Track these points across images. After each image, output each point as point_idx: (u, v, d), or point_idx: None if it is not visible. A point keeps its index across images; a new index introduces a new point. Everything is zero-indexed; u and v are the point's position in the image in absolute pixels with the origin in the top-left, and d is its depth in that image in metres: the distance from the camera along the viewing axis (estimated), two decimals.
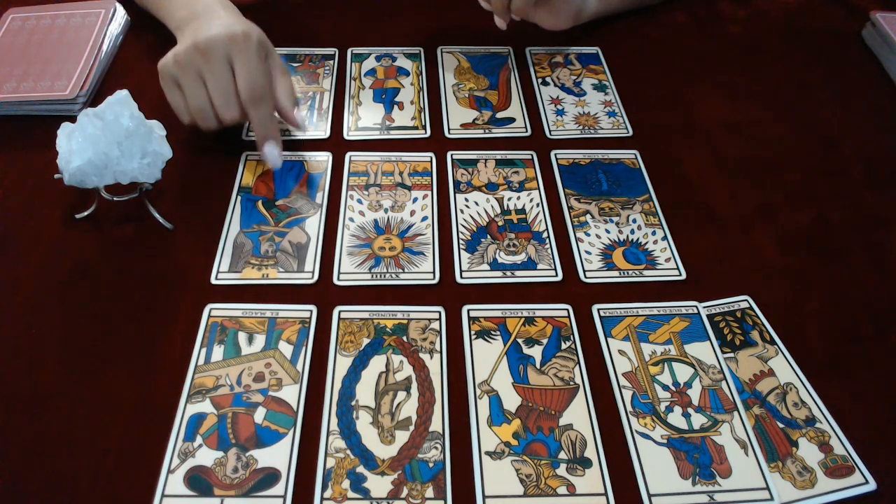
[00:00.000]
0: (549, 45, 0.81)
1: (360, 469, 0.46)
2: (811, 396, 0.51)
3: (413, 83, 0.76)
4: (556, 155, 0.69)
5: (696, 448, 0.48)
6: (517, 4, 0.72)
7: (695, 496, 0.46)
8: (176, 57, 0.60)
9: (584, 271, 0.59)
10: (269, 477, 0.46)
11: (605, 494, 0.46)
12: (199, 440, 0.47)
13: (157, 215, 0.60)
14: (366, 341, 0.53)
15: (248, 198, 0.63)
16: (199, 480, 0.46)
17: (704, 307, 0.57)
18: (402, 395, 0.50)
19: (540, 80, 0.77)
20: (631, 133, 0.71)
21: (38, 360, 0.51)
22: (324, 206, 0.63)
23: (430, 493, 0.45)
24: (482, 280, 0.58)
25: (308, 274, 0.57)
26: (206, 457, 0.47)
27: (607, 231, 0.62)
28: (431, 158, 0.68)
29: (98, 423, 0.48)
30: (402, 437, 0.48)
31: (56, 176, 0.57)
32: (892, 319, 0.57)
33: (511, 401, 0.50)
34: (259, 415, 0.49)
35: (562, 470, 0.47)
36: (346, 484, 0.46)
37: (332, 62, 0.78)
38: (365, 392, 0.50)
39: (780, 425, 0.50)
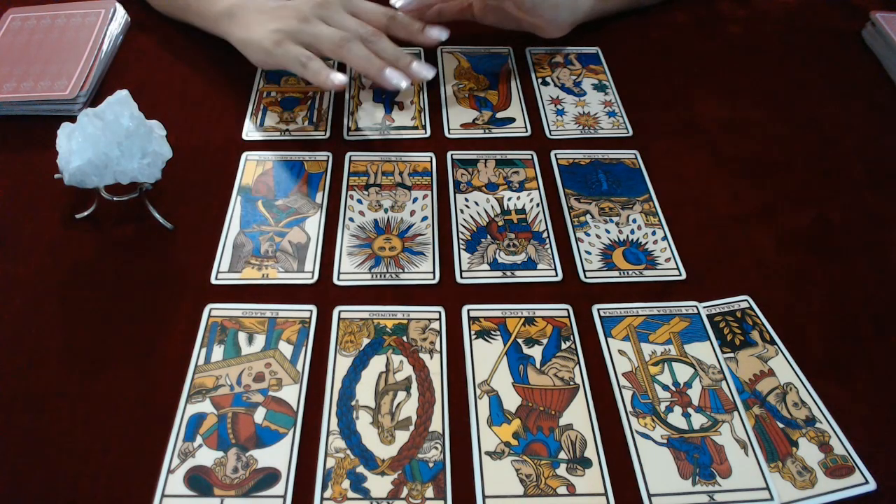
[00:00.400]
0: (549, 45, 0.81)
1: (360, 469, 0.46)
2: (811, 396, 0.51)
3: (413, 83, 0.76)
4: (556, 155, 0.69)
5: (696, 448, 0.48)
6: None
7: (695, 496, 0.46)
8: (295, 14, 0.65)
9: (584, 271, 0.59)
10: (269, 477, 0.46)
11: (605, 494, 0.46)
12: (199, 440, 0.47)
13: (157, 215, 0.60)
14: (366, 341, 0.53)
15: (248, 198, 0.63)
16: (199, 480, 0.46)
17: (704, 307, 0.57)
18: (402, 395, 0.50)
19: (540, 80, 0.77)
20: (631, 133, 0.71)
21: (38, 360, 0.51)
22: (324, 206, 0.63)
23: (430, 493, 0.45)
24: (482, 280, 0.58)
25: (308, 274, 0.57)
26: (206, 457, 0.47)
27: (607, 231, 0.62)
28: (431, 158, 0.68)
29: (98, 423, 0.48)
30: (402, 437, 0.48)
31: (56, 176, 0.57)
32: (892, 319, 0.57)
33: (511, 401, 0.50)
34: (259, 415, 0.49)
35: (562, 470, 0.47)
36: (346, 484, 0.46)
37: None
38: (365, 392, 0.50)
39: (780, 425, 0.50)
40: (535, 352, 0.53)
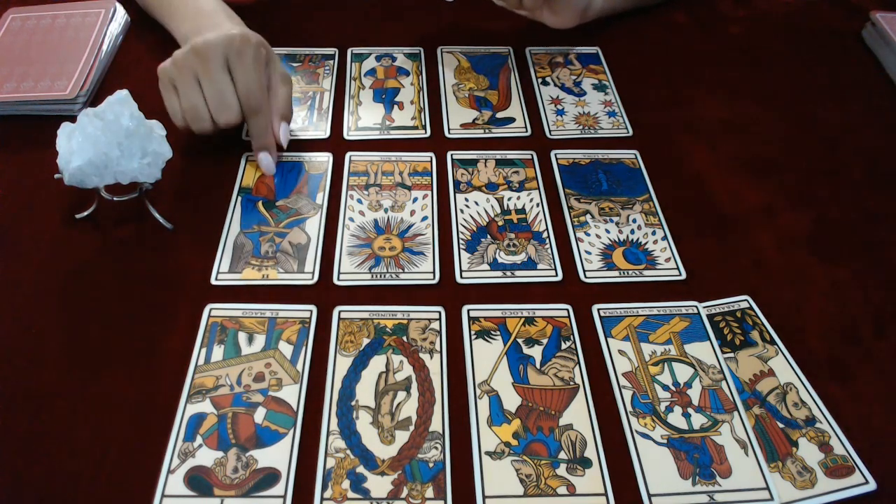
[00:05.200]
0: (549, 45, 0.81)
1: (360, 469, 0.46)
2: (811, 396, 0.51)
3: (413, 83, 0.76)
4: (556, 155, 0.69)
5: (696, 448, 0.48)
6: (528, 1, 0.71)
7: (695, 496, 0.46)
8: (174, 60, 0.61)
9: (584, 271, 0.59)
10: (269, 477, 0.46)
11: (605, 494, 0.46)
12: (199, 440, 0.47)
13: (157, 215, 0.60)
14: (366, 341, 0.53)
15: (248, 198, 0.63)
16: (199, 480, 0.46)
17: (704, 307, 0.57)
18: (402, 395, 0.50)
19: (540, 80, 0.77)
20: (631, 133, 0.71)
21: (38, 360, 0.51)
22: (324, 206, 0.63)
23: (430, 493, 0.45)
24: (482, 280, 0.58)
25: (308, 275, 0.57)
26: (206, 457, 0.47)
27: (607, 231, 0.62)
28: (431, 158, 0.68)
29: (98, 423, 0.48)
30: (402, 437, 0.48)
31: (56, 176, 0.57)
32: (892, 319, 0.57)
33: (511, 401, 0.50)
34: (259, 415, 0.49)
35: (562, 470, 0.47)
36: (346, 484, 0.46)
37: (332, 62, 0.78)
38: (365, 392, 0.50)
39: (780, 425, 0.50)
40: (535, 352, 0.53)
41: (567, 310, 0.56)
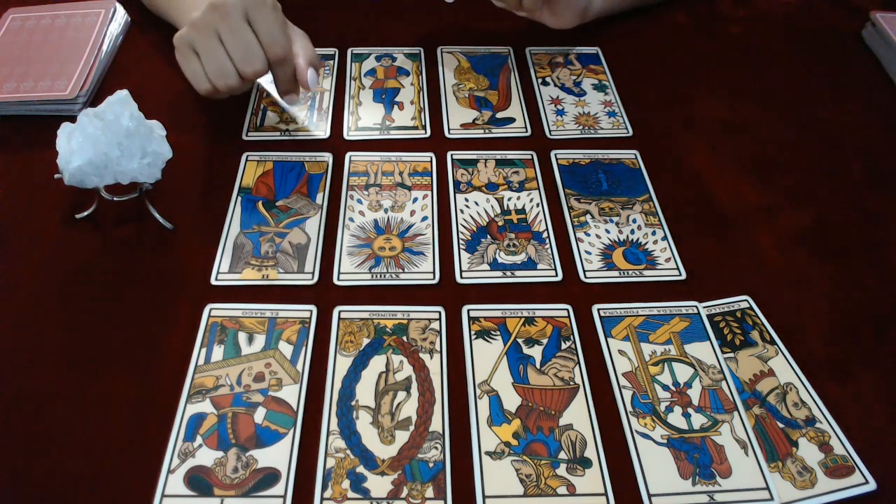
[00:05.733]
0: (549, 45, 0.81)
1: (360, 469, 0.46)
2: (811, 396, 0.51)
3: (413, 83, 0.76)
4: (556, 155, 0.69)
5: (696, 448, 0.48)
6: (528, 2, 0.71)
7: (695, 496, 0.46)
8: (192, 23, 0.60)
9: (584, 271, 0.59)
10: (269, 477, 0.46)
11: (605, 494, 0.46)
12: (199, 440, 0.47)
13: (157, 215, 0.60)
14: (366, 341, 0.53)
15: (248, 198, 0.63)
16: (199, 480, 0.46)
17: (704, 307, 0.57)
18: (402, 395, 0.50)
19: (540, 80, 0.77)
20: (631, 133, 0.71)
21: (38, 360, 0.51)
22: (324, 206, 0.63)
23: (430, 493, 0.45)
24: (482, 280, 0.58)
25: (308, 275, 0.57)
26: (206, 457, 0.47)
27: (607, 231, 0.62)
28: (431, 158, 0.68)
29: (98, 423, 0.48)
30: (402, 437, 0.48)
31: (56, 176, 0.57)
32: (892, 319, 0.57)
33: (511, 401, 0.50)
34: (259, 415, 0.49)
35: (562, 470, 0.47)
36: (346, 484, 0.46)
37: (332, 62, 0.78)
38: (365, 392, 0.50)
39: (780, 425, 0.50)
40: (535, 352, 0.53)
41: (567, 310, 0.56)
